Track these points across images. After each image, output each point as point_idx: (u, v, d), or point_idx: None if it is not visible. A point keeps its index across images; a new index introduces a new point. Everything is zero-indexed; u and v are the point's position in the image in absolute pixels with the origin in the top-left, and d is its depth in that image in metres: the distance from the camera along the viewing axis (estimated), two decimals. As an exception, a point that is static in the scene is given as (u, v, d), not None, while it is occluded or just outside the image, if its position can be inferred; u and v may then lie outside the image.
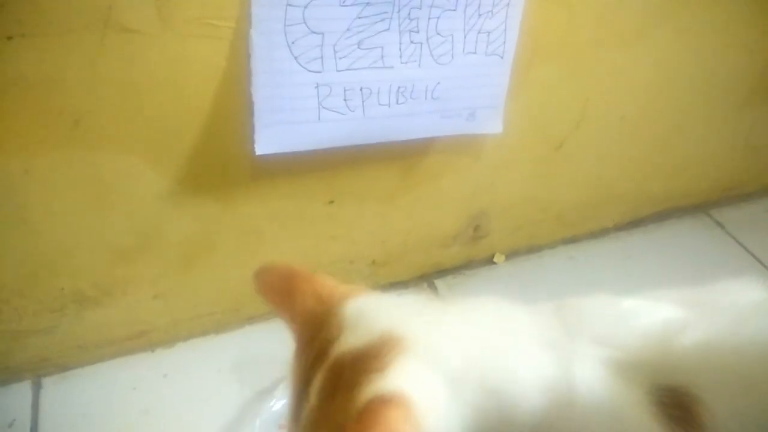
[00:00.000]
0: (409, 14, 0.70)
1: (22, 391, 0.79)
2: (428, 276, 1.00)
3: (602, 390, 0.42)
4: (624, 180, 1.08)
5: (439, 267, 1.01)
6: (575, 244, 1.10)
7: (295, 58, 0.67)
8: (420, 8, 0.70)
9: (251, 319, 0.90)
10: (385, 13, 0.68)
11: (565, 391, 0.42)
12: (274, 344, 0.87)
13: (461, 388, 0.40)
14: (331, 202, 0.84)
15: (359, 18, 0.68)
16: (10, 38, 0.57)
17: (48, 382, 0.81)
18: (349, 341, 0.42)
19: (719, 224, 1.17)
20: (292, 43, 0.66)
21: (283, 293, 0.50)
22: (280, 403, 0.76)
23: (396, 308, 0.46)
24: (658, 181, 1.12)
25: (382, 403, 0.36)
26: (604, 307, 0.49)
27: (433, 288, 0.99)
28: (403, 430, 0.35)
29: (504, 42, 0.76)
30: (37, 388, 0.80)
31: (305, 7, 0.64)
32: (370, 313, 0.44)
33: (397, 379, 0.38)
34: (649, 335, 0.46)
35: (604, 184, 1.06)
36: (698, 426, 0.41)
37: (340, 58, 0.69)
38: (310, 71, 0.69)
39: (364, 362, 0.39)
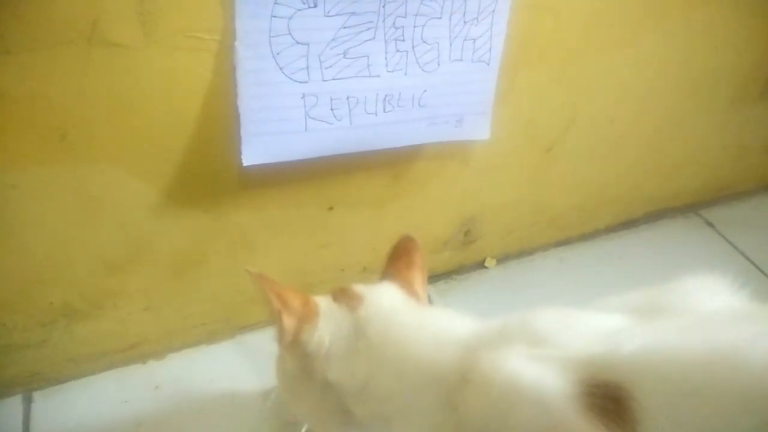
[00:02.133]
0: (394, 23, 0.70)
1: (13, 405, 0.79)
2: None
3: (524, 378, 0.48)
4: (615, 182, 1.08)
5: (430, 272, 1.00)
6: (567, 246, 1.10)
7: (281, 68, 0.67)
8: (405, 17, 0.70)
9: (242, 329, 0.90)
10: (370, 22, 0.69)
11: (479, 379, 0.50)
12: (266, 353, 0.88)
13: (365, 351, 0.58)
14: (330, 208, 0.85)
15: (344, 28, 0.68)
16: (-6, 54, 0.57)
17: (39, 396, 0.81)
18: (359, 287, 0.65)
19: (710, 224, 1.18)
20: (278, 54, 0.66)
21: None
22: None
23: (391, 299, 0.63)
24: (649, 182, 1.12)
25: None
26: (550, 316, 0.54)
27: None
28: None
29: (490, 48, 0.77)
30: (28, 402, 0.80)
31: (290, 18, 0.65)
32: (379, 287, 0.65)
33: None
34: (590, 338, 0.50)
35: (595, 187, 1.06)
36: (628, 419, 0.44)
37: (326, 68, 0.70)
38: (296, 81, 0.69)
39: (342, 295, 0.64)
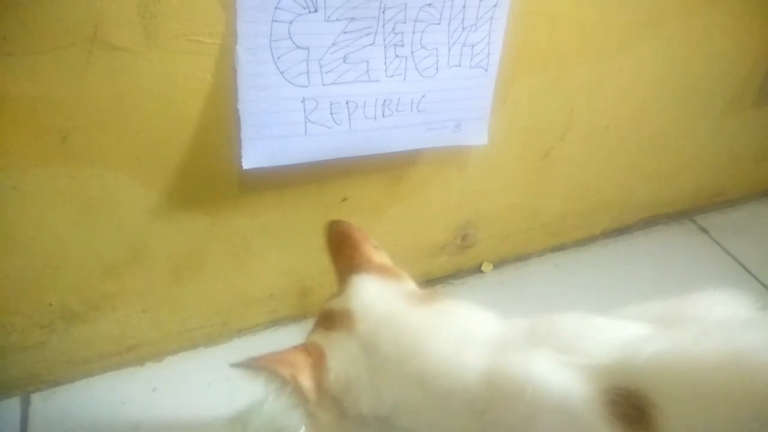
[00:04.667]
0: (393, 28, 0.71)
1: (11, 406, 0.79)
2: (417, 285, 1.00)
3: (554, 385, 0.47)
4: (610, 188, 1.09)
5: (427, 276, 1.01)
6: (562, 252, 1.11)
7: (281, 73, 0.68)
8: (404, 22, 0.71)
9: (240, 332, 0.90)
10: (370, 27, 0.69)
11: (509, 384, 0.48)
12: (264, 357, 0.87)
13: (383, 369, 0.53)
14: (329, 212, 0.84)
15: (344, 33, 0.68)
16: (-3, 56, 0.57)
17: (37, 398, 0.81)
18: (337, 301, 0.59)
19: (704, 230, 1.19)
20: (278, 58, 0.67)
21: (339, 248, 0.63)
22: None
23: (378, 295, 0.57)
24: (644, 188, 1.13)
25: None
26: (574, 322, 0.53)
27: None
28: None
29: (488, 55, 0.77)
30: (25, 403, 0.80)
31: (290, 22, 0.65)
32: (355, 289, 0.58)
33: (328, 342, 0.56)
34: (611, 345, 0.49)
35: (591, 193, 1.07)
36: (650, 426, 0.44)
37: (326, 73, 0.70)
38: (296, 86, 0.69)
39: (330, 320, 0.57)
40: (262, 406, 0.80)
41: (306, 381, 0.54)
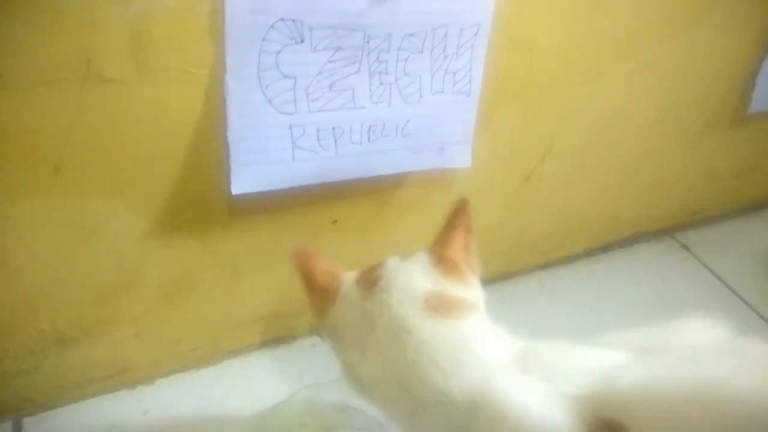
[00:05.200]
0: (378, 57, 0.73)
1: (3, 431, 0.80)
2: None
3: (536, 415, 0.48)
4: (592, 207, 1.11)
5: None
6: (547, 270, 1.13)
7: (269, 101, 0.70)
8: (388, 51, 0.73)
9: (231, 354, 0.91)
10: (355, 56, 0.72)
11: (491, 409, 0.50)
12: (254, 378, 0.90)
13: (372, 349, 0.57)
14: (317, 235, 0.86)
15: (330, 62, 0.71)
16: (-9, 90, 0.59)
17: (29, 423, 0.81)
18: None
19: (685, 247, 1.21)
20: (266, 87, 0.69)
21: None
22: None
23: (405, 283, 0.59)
24: (626, 206, 1.16)
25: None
26: (562, 351, 0.55)
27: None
28: None
29: (470, 81, 0.80)
30: (18, 428, 0.81)
31: (278, 53, 0.67)
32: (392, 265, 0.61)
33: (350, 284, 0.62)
34: (594, 375, 0.51)
35: (573, 212, 1.10)
36: None
37: (313, 100, 0.72)
38: (283, 113, 0.71)
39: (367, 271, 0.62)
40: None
41: (312, 303, 0.63)
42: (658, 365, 0.51)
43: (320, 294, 0.62)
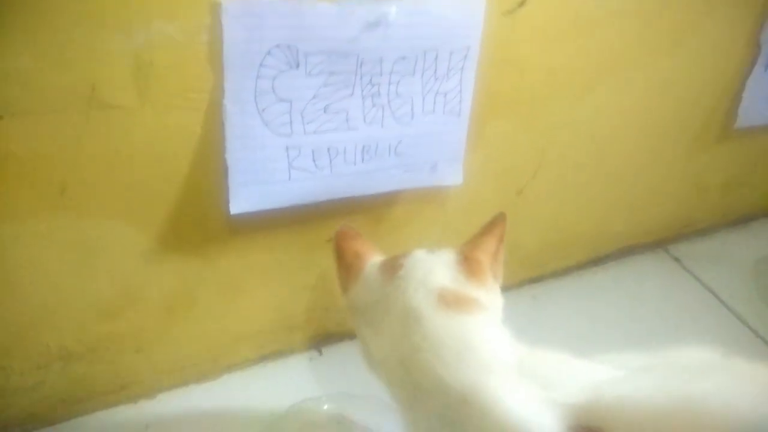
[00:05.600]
0: (370, 80, 0.76)
1: (8, 446, 0.82)
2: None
3: (524, 417, 0.51)
4: (584, 220, 1.14)
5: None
6: (540, 283, 1.15)
7: (266, 124, 0.72)
8: (381, 75, 0.76)
9: (230, 368, 0.94)
10: (348, 80, 0.74)
11: (481, 406, 0.52)
12: (253, 392, 0.92)
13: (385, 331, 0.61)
14: (314, 252, 0.89)
15: (324, 86, 0.73)
16: (0, 117, 0.61)
17: (34, 438, 0.84)
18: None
19: (676, 259, 1.24)
20: (263, 110, 0.72)
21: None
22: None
23: (424, 270, 0.63)
24: (617, 219, 1.18)
25: None
26: (560, 361, 0.57)
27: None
28: None
29: (460, 101, 0.82)
30: (22, 443, 0.83)
31: (274, 78, 0.70)
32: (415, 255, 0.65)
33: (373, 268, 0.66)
34: (584, 386, 0.53)
35: (565, 226, 1.12)
36: None
37: (308, 123, 0.75)
38: (279, 135, 0.74)
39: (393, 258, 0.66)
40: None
41: (339, 276, 0.69)
42: (644, 379, 0.53)
43: (345, 270, 0.68)
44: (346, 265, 0.68)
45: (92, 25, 0.61)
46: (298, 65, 0.70)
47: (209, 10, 0.64)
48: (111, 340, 0.82)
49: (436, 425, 0.56)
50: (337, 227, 0.71)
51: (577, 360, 0.58)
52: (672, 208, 1.23)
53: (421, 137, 0.83)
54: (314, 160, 0.78)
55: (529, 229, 1.08)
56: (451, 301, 0.60)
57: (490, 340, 0.58)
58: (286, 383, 0.92)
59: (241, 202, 0.76)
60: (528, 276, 1.14)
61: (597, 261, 1.20)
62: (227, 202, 0.75)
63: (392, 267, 0.64)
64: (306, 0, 0.67)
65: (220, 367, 0.93)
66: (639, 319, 1.09)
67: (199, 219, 0.78)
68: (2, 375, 0.77)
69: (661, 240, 1.26)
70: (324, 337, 0.99)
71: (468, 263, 0.64)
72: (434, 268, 0.63)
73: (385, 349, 0.61)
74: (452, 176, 0.89)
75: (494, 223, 0.71)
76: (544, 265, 1.14)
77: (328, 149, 0.78)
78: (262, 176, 0.76)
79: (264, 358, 0.96)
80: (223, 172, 0.73)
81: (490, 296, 0.64)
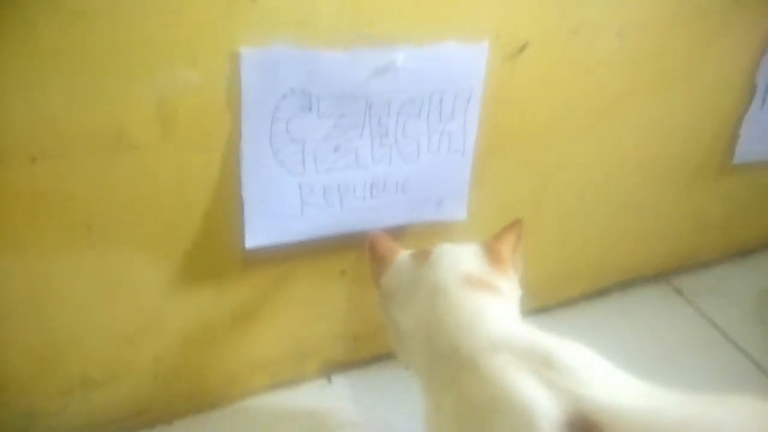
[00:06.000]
0: (379, 121, 0.80)
1: (32, 469, 0.86)
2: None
3: (519, 392, 0.57)
4: (587, 253, 1.17)
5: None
6: (544, 314, 1.17)
7: (280, 163, 0.77)
8: (388, 116, 0.80)
9: (244, 395, 0.97)
10: (358, 122, 0.79)
11: (482, 375, 0.60)
12: (266, 418, 0.95)
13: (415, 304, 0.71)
14: (335, 278, 0.93)
15: (335, 127, 0.78)
16: (33, 160, 0.66)
17: (56, 461, 0.87)
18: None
19: (678, 291, 1.26)
20: (277, 150, 0.76)
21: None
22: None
23: (452, 260, 0.73)
24: (619, 252, 1.21)
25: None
26: (580, 352, 0.63)
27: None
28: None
29: (464, 141, 0.87)
30: (45, 466, 0.86)
31: (288, 121, 0.75)
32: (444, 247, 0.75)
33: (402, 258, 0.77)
34: (592, 380, 0.57)
35: (568, 258, 1.15)
36: None
37: (320, 161, 0.79)
38: (293, 174, 0.78)
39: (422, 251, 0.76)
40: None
41: (371, 266, 0.79)
42: (651, 395, 0.57)
43: (378, 261, 0.78)
44: (380, 258, 0.78)
45: (121, 72, 0.66)
46: (310, 108, 0.75)
47: (228, 59, 0.69)
48: (130, 367, 0.86)
49: (446, 386, 0.63)
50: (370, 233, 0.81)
51: (596, 356, 0.63)
52: (674, 241, 1.26)
53: (427, 175, 0.87)
54: (325, 197, 0.82)
55: (532, 261, 1.10)
56: (475, 283, 0.70)
57: (502, 318, 0.67)
58: (297, 409, 0.96)
59: (256, 236, 0.80)
60: (532, 306, 1.16)
61: (601, 292, 1.23)
62: (243, 236, 0.79)
63: (423, 254, 0.74)
64: (319, 48, 0.72)
65: (234, 394, 0.96)
66: (641, 349, 1.10)
67: (216, 253, 0.82)
68: (28, 400, 0.81)
69: (664, 272, 1.29)
70: (334, 365, 1.03)
71: (491, 254, 0.74)
72: (462, 256, 0.73)
73: (412, 322, 0.70)
74: (457, 212, 0.93)
75: (512, 225, 0.79)
76: (549, 295, 1.17)
77: (339, 186, 0.82)
78: (276, 212, 0.80)
79: (276, 385, 0.99)
80: (239, 208, 0.77)
81: (508, 284, 0.74)
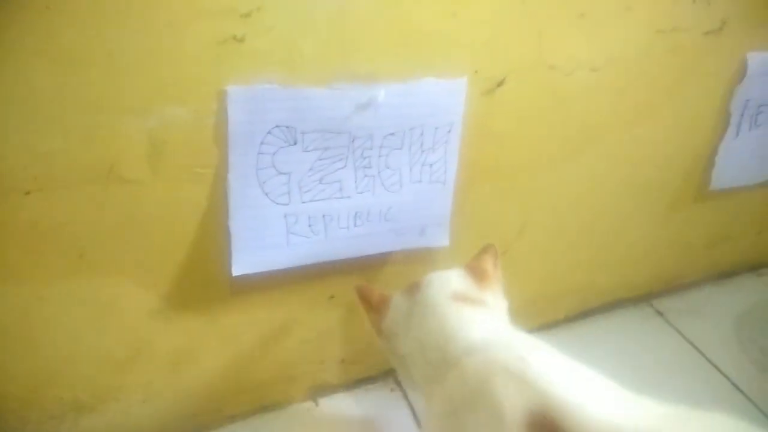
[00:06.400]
0: (362, 154, 0.83)
1: (23, 493, 0.87)
2: (393, 372, 1.09)
3: (495, 389, 0.62)
4: (569, 276, 1.19)
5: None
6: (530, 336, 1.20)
7: (266, 194, 0.80)
8: (371, 149, 0.83)
9: (232, 418, 0.99)
10: (342, 154, 0.82)
11: (462, 375, 0.67)
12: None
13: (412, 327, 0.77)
14: (311, 309, 0.95)
15: (320, 160, 0.81)
16: (27, 193, 0.69)
17: (46, 484, 0.89)
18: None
19: (659, 313, 1.29)
20: (263, 182, 0.79)
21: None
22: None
23: (439, 285, 0.80)
24: (602, 276, 1.23)
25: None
26: (554, 356, 0.69)
27: (398, 384, 1.09)
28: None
29: (445, 171, 0.90)
30: (36, 489, 0.88)
31: (273, 154, 0.78)
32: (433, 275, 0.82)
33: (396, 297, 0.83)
34: (566, 383, 0.61)
35: (551, 282, 1.18)
36: None
37: (305, 192, 0.82)
38: (278, 204, 0.81)
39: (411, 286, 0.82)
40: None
41: (371, 319, 0.84)
42: (619, 406, 0.60)
43: (376, 311, 0.83)
44: (376, 308, 0.83)
45: (113, 110, 0.69)
46: (295, 142, 0.78)
47: (216, 96, 0.72)
48: (120, 391, 0.88)
49: (437, 389, 0.70)
50: (353, 287, 0.86)
51: (579, 365, 0.68)
52: (656, 264, 1.29)
53: (410, 204, 0.90)
54: (310, 226, 0.85)
55: (516, 285, 1.12)
56: (461, 299, 0.77)
57: (486, 325, 0.74)
58: (284, 432, 0.97)
59: (243, 264, 0.83)
60: (518, 329, 1.19)
61: (584, 314, 1.26)
62: (230, 264, 0.82)
63: (415, 286, 0.80)
64: (303, 85, 0.76)
65: (223, 417, 0.98)
66: (623, 370, 1.11)
67: (204, 280, 0.84)
68: (20, 424, 0.83)
69: (646, 294, 1.31)
70: (320, 388, 1.05)
71: (475, 272, 0.81)
72: (450, 278, 0.80)
73: (410, 342, 0.76)
74: (439, 239, 0.95)
75: (485, 248, 0.85)
76: (533, 318, 1.19)
77: (323, 216, 0.85)
78: (262, 241, 0.83)
79: (264, 408, 1.02)
80: (226, 237, 0.80)
81: (493, 297, 0.81)
